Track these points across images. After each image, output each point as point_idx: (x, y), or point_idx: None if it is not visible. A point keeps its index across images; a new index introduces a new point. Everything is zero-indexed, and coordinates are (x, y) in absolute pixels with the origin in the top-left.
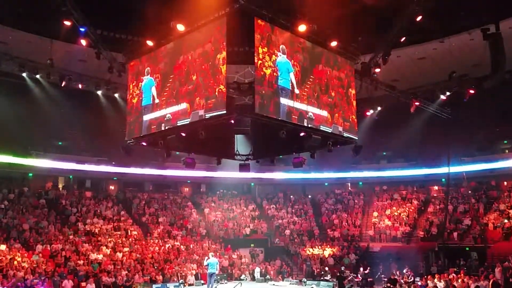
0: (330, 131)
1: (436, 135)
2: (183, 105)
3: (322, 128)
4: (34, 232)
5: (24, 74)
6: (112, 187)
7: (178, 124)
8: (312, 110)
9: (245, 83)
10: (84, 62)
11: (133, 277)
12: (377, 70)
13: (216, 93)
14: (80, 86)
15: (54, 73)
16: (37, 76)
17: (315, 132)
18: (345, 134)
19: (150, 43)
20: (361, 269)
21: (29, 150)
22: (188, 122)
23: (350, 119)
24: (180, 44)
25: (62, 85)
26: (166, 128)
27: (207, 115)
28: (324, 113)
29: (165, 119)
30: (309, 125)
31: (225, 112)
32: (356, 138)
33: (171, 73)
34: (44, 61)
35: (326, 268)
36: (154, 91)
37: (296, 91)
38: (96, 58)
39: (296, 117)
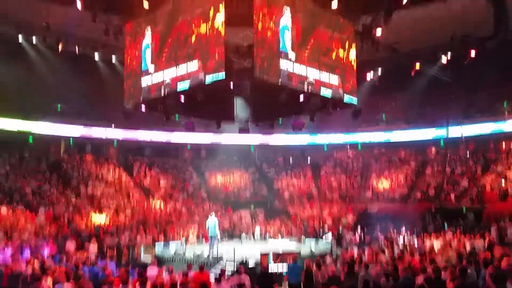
0: (330, 95)
1: (436, 98)
2: (183, 68)
3: (323, 91)
4: (37, 195)
5: (20, 37)
6: (112, 151)
7: (178, 88)
8: (312, 73)
9: (244, 46)
10: (81, 25)
11: (136, 237)
12: (378, 31)
13: (216, 56)
14: (77, 49)
15: (50, 36)
16: (33, 39)
17: (315, 95)
18: (345, 97)
19: (146, 3)
20: (359, 229)
21: (29, 114)
22: (187, 86)
23: (351, 82)
24: (179, 4)
25: (59, 48)
26: (166, 92)
27: (207, 79)
28: (324, 76)
29: (165, 83)
30: (310, 89)
31: (224, 75)
32: (356, 101)
33: (170, 35)
34: (40, 24)
35: (326, 227)
36: (149, 54)
37: (292, 54)
38: (92, 21)
39: (296, 80)
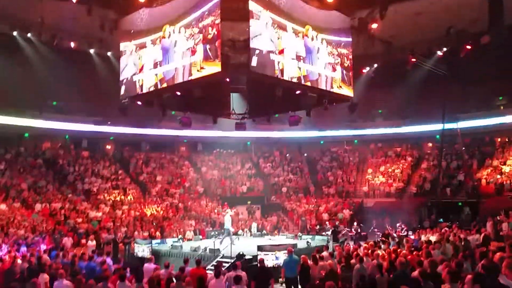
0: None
1: (432, 92)
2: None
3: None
4: (33, 192)
5: (15, 33)
6: (108, 147)
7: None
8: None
9: (241, 40)
10: (76, 20)
11: (133, 233)
12: (374, 25)
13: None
14: (72, 45)
15: (45, 32)
16: (28, 35)
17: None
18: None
19: None
20: (355, 223)
21: (24, 111)
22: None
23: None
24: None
25: (54, 44)
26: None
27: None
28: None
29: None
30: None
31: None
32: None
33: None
34: (35, 20)
35: (327, 223)
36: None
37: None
38: (88, 14)
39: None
